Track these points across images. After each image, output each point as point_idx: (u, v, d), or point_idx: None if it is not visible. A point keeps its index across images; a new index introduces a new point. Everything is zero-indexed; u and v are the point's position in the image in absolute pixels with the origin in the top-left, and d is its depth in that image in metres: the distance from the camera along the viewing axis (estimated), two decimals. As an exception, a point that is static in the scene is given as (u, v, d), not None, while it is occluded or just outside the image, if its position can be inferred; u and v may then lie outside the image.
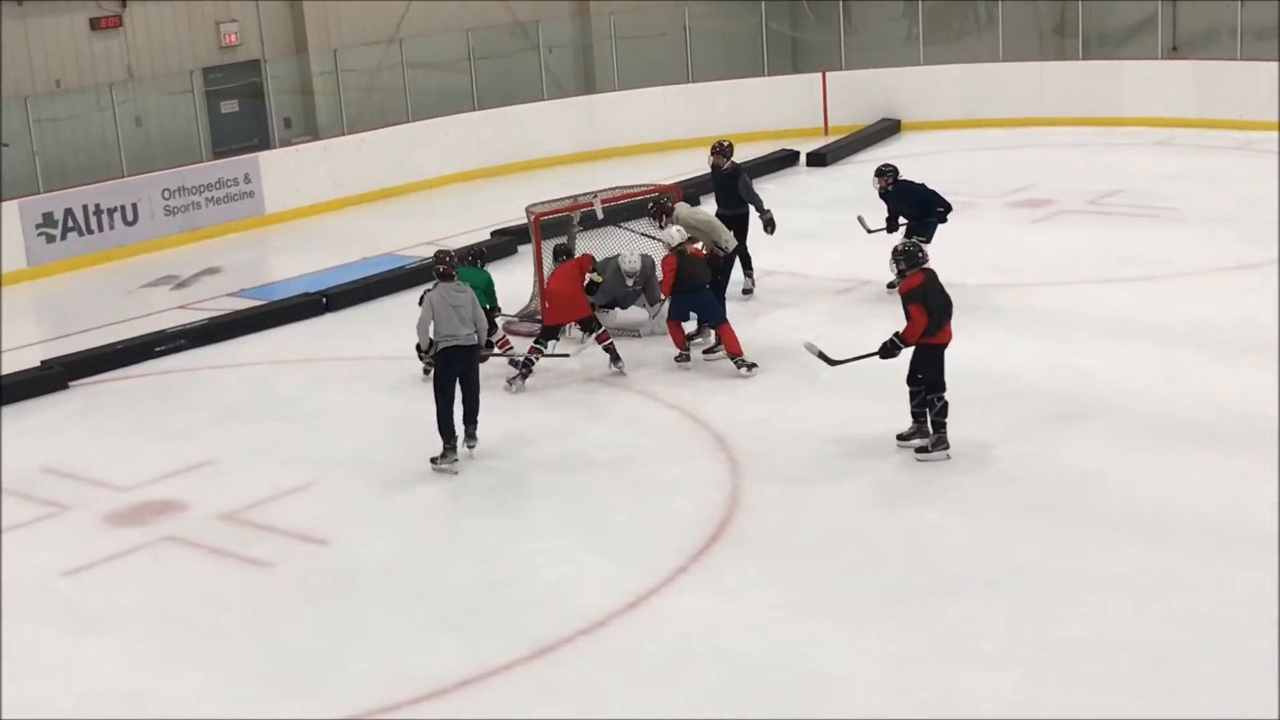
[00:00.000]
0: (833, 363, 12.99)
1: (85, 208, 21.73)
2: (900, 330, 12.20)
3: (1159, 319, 15.62)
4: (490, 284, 15.34)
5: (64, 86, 23.50)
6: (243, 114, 25.45)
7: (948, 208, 16.90)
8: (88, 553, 11.63)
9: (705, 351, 15.23)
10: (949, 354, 12.36)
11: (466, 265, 15.01)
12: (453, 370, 12.81)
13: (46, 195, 21.64)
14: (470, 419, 13.08)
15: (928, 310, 12.00)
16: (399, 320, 15.46)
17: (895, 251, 12.35)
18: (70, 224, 21.57)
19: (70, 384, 15.93)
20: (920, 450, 12.30)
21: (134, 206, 22.21)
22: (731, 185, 17.22)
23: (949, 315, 12.14)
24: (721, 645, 9.61)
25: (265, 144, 24.98)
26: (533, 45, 28.26)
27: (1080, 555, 10.47)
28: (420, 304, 13.17)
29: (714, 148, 17.46)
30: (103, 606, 10.81)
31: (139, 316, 18.54)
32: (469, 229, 20.29)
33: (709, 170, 17.81)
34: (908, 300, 12.09)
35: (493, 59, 27.40)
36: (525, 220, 17.51)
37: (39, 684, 9.74)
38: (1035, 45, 29.57)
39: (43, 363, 16.33)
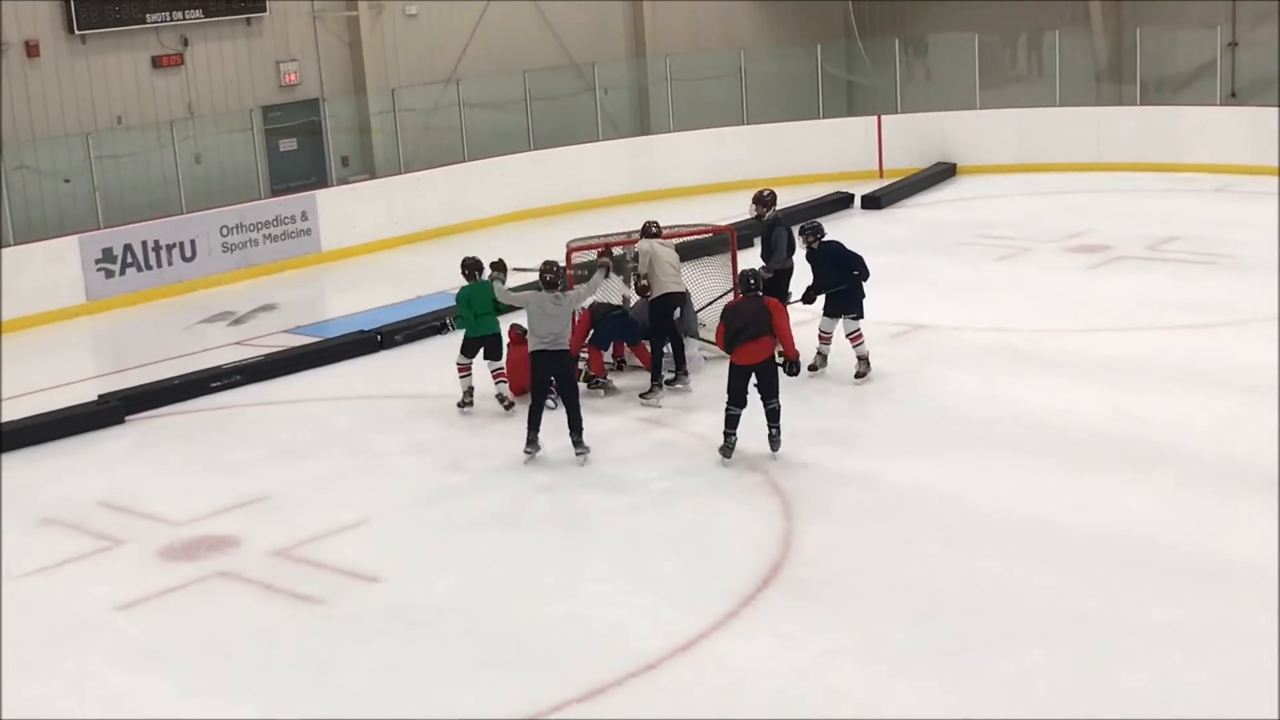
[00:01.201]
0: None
1: (144, 243, 21.93)
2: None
3: (1219, 366, 15.46)
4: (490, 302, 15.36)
5: (125, 123, 23.76)
6: (301, 152, 25.66)
7: (864, 274, 15.54)
8: (141, 587, 11.67)
9: (666, 383, 15.51)
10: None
11: (473, 280, 15.34)
12: (541, 373, 13.79)
13: (106, 230, 21.87)
14: (573, 428, 13.70)
15: (726, 328, 13.47)
16: (453, 358, 15.51)
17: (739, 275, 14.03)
18: (129, 259, 21.77)
19: (127, 418, 16.04)
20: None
21: (192, 243, 22.40)
22: (767, 238, 16.42)
23: (741, 340, 13.32)
24: (774, 690, 9.53)
25: (323, 182, 25.17)
26: (589, 86, 28.39)
27: (1140, 604, 10.34)
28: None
29: (754, 197, 16.61)
30: (155, 641, 10.83)
31: (195, 352, 18.67)
32: (525, 268, 20.32)
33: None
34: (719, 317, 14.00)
35: (549, 100, 27.54)
36: (577, 259, 17.55)
37: (91, 717, 9.76)
38: (1093, 90, 29.45)
39: (100, 397, 16.45)
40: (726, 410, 13.43)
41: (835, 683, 9.57)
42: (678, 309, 15.70)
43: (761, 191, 16.74)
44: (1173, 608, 10.28)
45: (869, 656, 9.90)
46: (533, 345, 13.74)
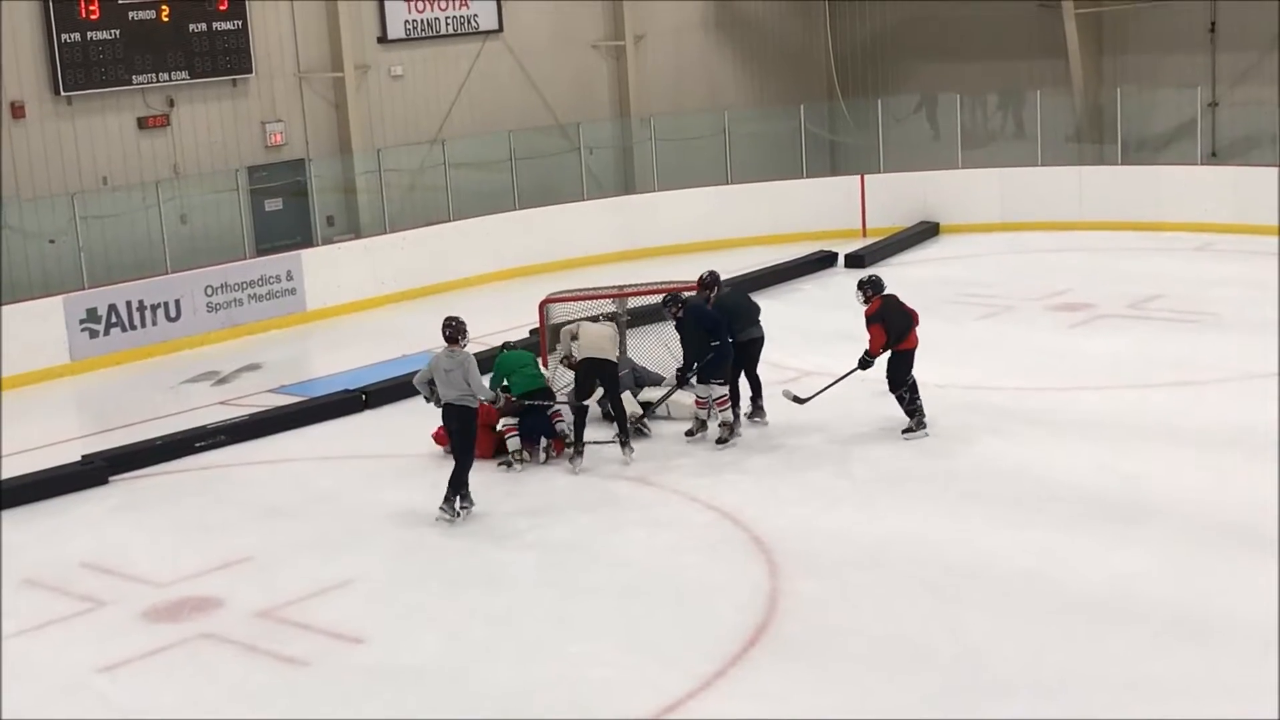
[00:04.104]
0: (802, 400, 16.01)
1: (129, 303, 21.91)
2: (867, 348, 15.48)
3: (1203, 424, 15.51)
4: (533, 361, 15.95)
5: (111, 184, 23.79)
6: (286, 212, 25.70)
7: (722, 343, 15.58)
8: (124, 649, 11.61)
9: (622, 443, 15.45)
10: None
11: (510, 350, 16.07)
12: (449, 426, 14.15)
13: (91, 291, 21.84)
14: (452, 484, 13.93)
15: (886, 329, 15.33)
16: (438, 419, 15.51)
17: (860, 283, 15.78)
18: (114, 319, 21.73)
19: (110, 479, 15.98)
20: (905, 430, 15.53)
21: (177, 303, 22.39)
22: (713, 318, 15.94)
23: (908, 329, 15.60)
24: (761, 751, 9.50)
25: (308, 242, 25.18)
26: (574, 146, 28.51)
27: (1127, 661, 10.35)
28: None
29: (699, 283, 16.25)
30: (138, 704, 10.77)
31: (180, 412, 18.62)
32: (509, 327, 20.35)
33: (725, 286, 16.69)
34: (870, 321, 15.47)
35: (534, 159, 27.63)
36: (564, 319, 17.64)
37: (73, 781, 9.71)
38: (1074, 150, 29.67)
39: (83, 457, 16.39)
40: (912, 390, 15.52)
41: (822, 743, 9.55)
42: (598, 378, 15.43)
43: (702, 276, 16.43)
44: (1159, 664, 10.29)
45: (856, 715, 9.86)
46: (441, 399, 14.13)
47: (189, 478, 16.11)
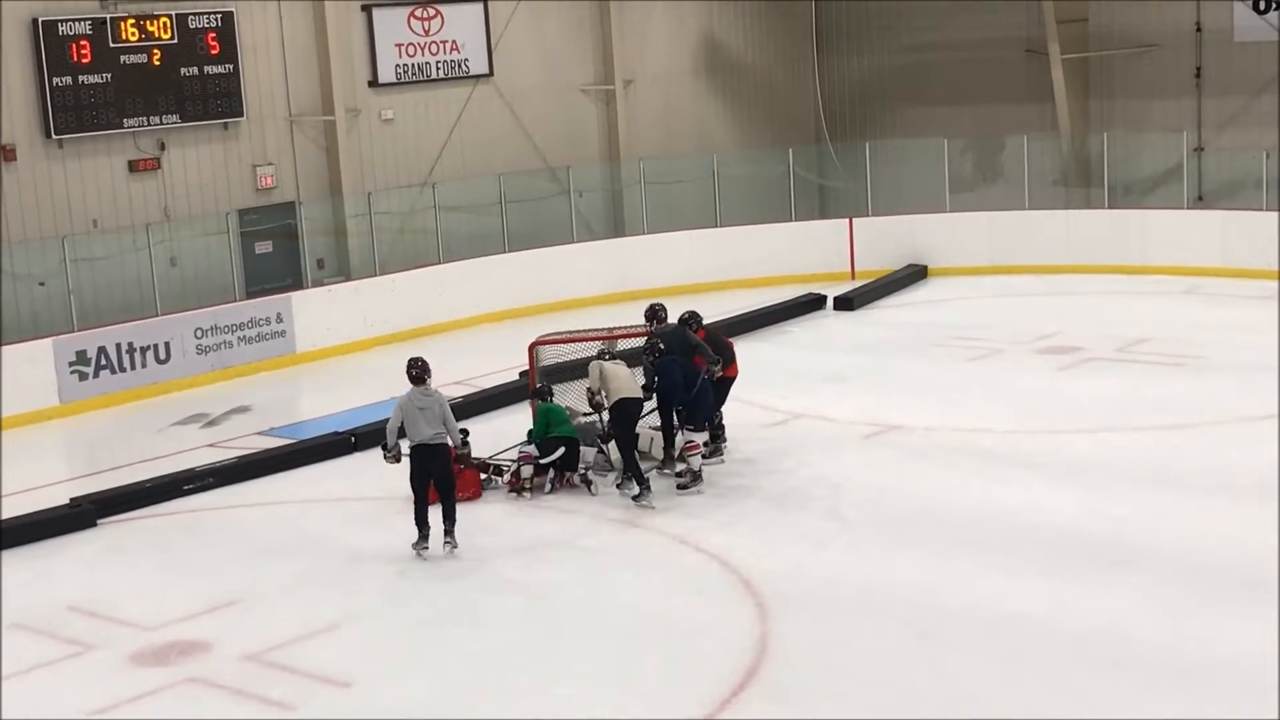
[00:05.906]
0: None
1: (118, 346, 21.91)
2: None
3: (1191, 467, 15.55)
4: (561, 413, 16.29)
5: (101, 226, 23.81)
6: (276, 254, 25.72)
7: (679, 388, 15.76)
8: (111, 693, 11.56)
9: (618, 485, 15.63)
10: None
11: (546, 401, 16.37)
12: (426, 469, 14.14)
13: (80, 333, 21.83)
14: (447, 519, 14.04)
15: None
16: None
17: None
18: (103, 362, 21.73)
19: (99, 522, 15.94)
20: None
21: (166, 345, 22.39)
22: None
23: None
24: (750, 795, 9.48)
25: (298, 284, 25.21)
26: (563, 189, 28.61)
27: (1116, 705, 10.35)
28: None
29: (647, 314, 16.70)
30: (125, 747, 10.74)
31: (168, 454, 18.59)
32: (498, 369, 20.40)
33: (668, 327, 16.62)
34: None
35: (524, 202, 27.73)
36: (554, 361, 17.66)
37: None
38: (1061, 193, 29.81)
39: (72, 500, 16.36)
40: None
41: (811, 787, 9.53)
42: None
43: (645, 311, 16.74)
44: (1149, 707, 10.29)
45: (845, 760, 9.86)
46: (411, 443, 14.14)
47: (177, 520, 16.08)
